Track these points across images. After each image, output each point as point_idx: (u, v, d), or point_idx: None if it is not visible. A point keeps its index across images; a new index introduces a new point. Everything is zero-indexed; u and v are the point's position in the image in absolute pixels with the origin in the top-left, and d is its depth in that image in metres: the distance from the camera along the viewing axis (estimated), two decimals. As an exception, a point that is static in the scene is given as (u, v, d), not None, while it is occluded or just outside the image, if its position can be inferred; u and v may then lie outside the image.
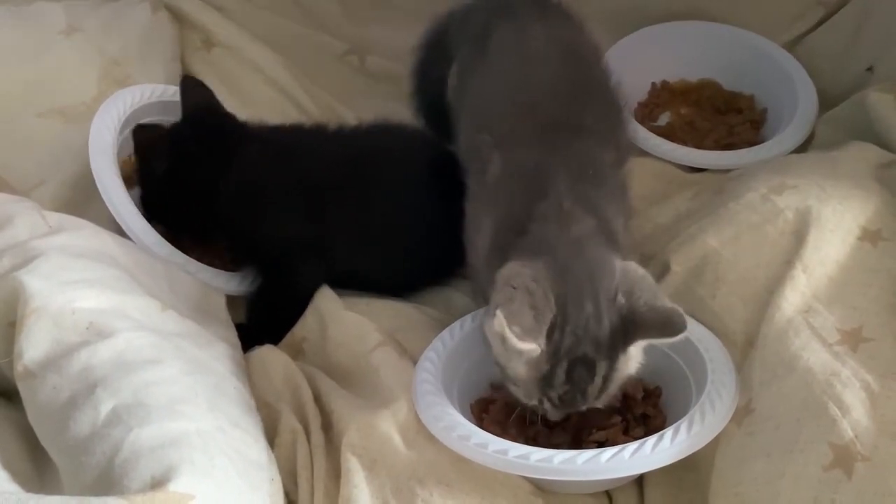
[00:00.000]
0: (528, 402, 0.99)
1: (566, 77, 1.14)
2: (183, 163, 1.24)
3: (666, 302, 0.96)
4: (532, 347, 0.93)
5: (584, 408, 0.99)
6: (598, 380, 0.96)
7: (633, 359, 0.98)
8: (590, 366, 0.96)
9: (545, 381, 0.96)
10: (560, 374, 0.96)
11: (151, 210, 1.26)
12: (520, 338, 0.92)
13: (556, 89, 1.12)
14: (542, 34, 1.17)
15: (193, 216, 1.25)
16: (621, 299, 0.96)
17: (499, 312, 0.92)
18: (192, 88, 1.29)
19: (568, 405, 0.98)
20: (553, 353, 0.95)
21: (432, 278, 1.28)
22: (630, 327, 0.95)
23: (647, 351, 1.02)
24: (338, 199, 1.23)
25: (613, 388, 0.98)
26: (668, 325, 0.95)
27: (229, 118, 1.28)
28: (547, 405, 0.98)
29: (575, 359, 0.95)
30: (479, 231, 1.08)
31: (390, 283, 1.25)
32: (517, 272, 0.96)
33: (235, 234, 1.25)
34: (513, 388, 1.00)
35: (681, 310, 0.95)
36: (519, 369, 0.97)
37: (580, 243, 0.99)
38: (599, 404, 0.99)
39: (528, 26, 1.19)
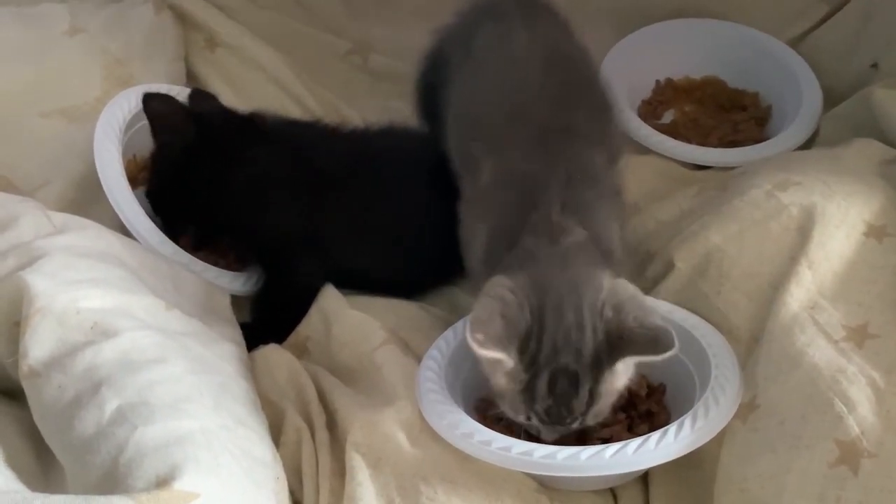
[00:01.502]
0: (517, 419, 0.98)
1: (552, 79, 1.13)
2: (195, 153, 1.24)
3: (656, 320, 0.94)
4: (495, 356, 0.92)
5: (574, 425, 0.97)
6: (584, 393, 0.95)
7: (621, 375, 0.96)
8: (572, 378, 0.94)
9: (527, 394, 0.95)
10: (541, 385, 0.94)
11: (157, 197, 1.26)
12: (481, 345, 0.91)
13: (543, 92, 1.11)
14: (525, 37, 1.17)
15: (198, 208, 1.24)
16: (609, 313, 0.95)
17: (469, 320, 0.92)
18: (202, 101, 1.30)
19: (556, 421, 0.96)
20: (530, 362, 0.94)
21: (435, 280, 1.28)
22: (616, 343, 0.94)
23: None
24: (340, 197, 1.23)
25: (602, 404, 0.97)
26: (655, 343, 0.93)
27: (237, 114, 1.29)
28: (536, 421, 0.97)
29: (556, 370, 0.94)
30: (475, 237, 1.08)
31: (393, 284, 1.25)
32: (498, 282, 0.96)
33: (238, 229, 1.25)
34: (501, 405, 0.99)
35: (670, 328, 0.93)
36: (500, 381, 0.96)
37: (566, 256, 0.98)
38: (590, 421, 0.97)
39: (512, 29, 1.18)
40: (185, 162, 1.23)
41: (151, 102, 1.24)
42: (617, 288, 0.97)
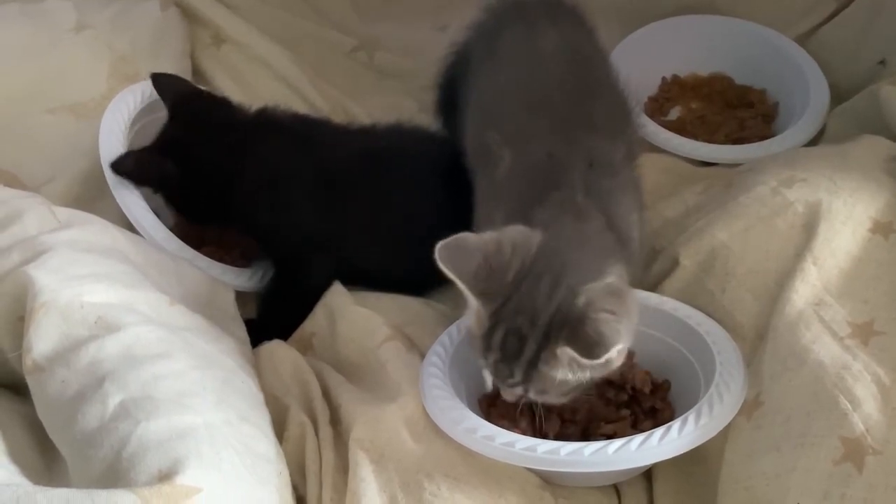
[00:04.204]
0: (479, 363, 0.99)
1: (575, 76, 1.14)
2: (197, 158, 1.23)
3: (609, 331, 0.90)
4: (448, 274, 0.94)
5: (517, 390, 0.97)
6: (524, 360, 0.94)
7: (560, 364, 0.94)
8: (521, 340, 0.94)
9: (485, 342, 0.96)
10: (497, 338, 0.95)
11: (173, 205, 1.27)
12: (441, 259, 0.93)
13: (565, 88, 1.12)
14: (552, 36, 1.18)
15: (211, 208, 1.24)
16: (580, 302, 0.93)
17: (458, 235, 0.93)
18: (168, 82, 1.29)
19: (501, 378, 0.97)
20: (494, 313, 0.95)
21: (443, 277, 1.27)
22: (563, 329, 0.92)
23: (657, 343, 1.01)
24: (353, 196, 1.23)
25: (543, 383, 0.95)
26: (587, 346, 0.90)
27: (231, 107, 1.28)
28: (488, 372, 0.99)
29: (510, 328, 0.94)
30: (492, 227, 1.07)
31: (402, 282, 1.25)
32: (515, 232, 0.97)
33: (250, 227, 1.25)
34: (470, 345, 0.99)
35: (615, 347, 0.90)
36: (472, 320, 0.98)
37: (586, 236, 0.98)
38: (532, 394, 0.97)
39: (540, 29, 1.19)
40: (189, 176, 1.23)
41: (121, 166, 1.22)
42: (609, 289, 0.95)
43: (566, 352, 0.92)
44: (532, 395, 0.98)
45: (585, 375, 0.96)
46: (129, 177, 1.23)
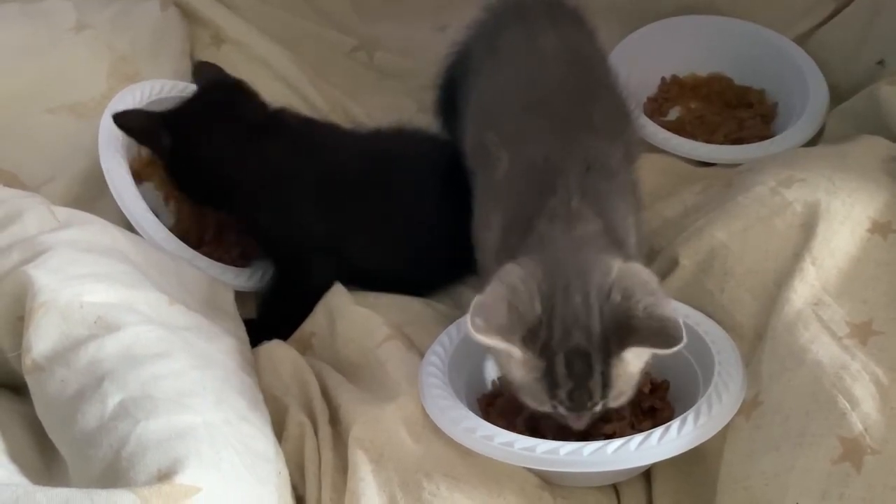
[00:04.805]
0: (542, 409, 0.97)
1: (574, 76, 1.14)
2: (197, 143, 1.23)
3: (666, 310, 0.92)
4: (495, 344, 0.92)
5: (597, 409, 0.96)
6: (597, 375, 0.93)
7: (632, 362, 0.95)
8: (585, 357, 0.93)
9: (548, 380, 0.94)
10: (560, 368, 0.93)
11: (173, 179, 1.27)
12: (479, 331, 0.90)
13: (564, 89, 1.12)
14: (552, 37, 1.18)
15: (209, 193, 1.25)
16: (617, 297, 0.93)
17: (472, 304, 0.91)
18: (206, 70, 1.30)
19: (580, 405, 0.95)
20: (543, 349, 0.93)
21: (445, 279, 1.28)
22: (624, 331, 0.92)
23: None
24: (357, 198, 1.23)
25: (620, 386, 0.95)
26: (662, 336, 0.91)
27: (245, 105, 1.27)
28: (562, 410, 0.96)
29: (570, 350, 0.93)
30: (489, 229, 1.08)
31: (404, 283, 1.25)
32: (510, 271, 0.95)
33: (251, 226, 1.25)
34: (523, 397, 0.97)
35: (679, 321, 0.91)
36: (515, 373, 0.95)
37: (580, 243, 0.98)
38: (612, 403, 0.96)
39: (539, 29, 1.19)
40: (184, 155, 1.23)
41: (124, 120, 1.23)
42: (627, 272, 0.95)
43: (636, 350, 0.92)
44: (611, 404, 0.96)
45: (647, 360, 0.96)
46: (127, 131, 1.23)
